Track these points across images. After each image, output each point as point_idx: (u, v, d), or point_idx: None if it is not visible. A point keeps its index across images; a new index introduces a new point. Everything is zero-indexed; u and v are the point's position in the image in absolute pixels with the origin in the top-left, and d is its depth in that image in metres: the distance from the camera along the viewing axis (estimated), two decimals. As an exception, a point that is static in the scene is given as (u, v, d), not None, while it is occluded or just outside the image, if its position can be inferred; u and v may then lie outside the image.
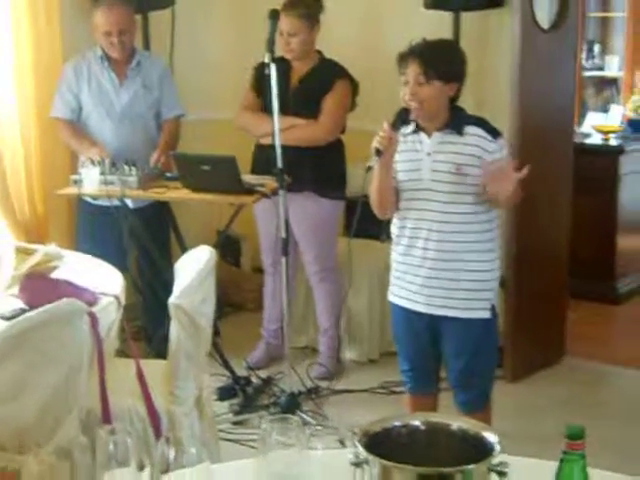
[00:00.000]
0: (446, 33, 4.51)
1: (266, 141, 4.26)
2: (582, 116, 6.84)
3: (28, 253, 3.45)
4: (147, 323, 4.65)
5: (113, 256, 3.74)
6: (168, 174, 4.30)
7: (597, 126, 6.25)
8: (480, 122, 3.13)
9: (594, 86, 7.87)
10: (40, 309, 2.68)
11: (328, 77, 4.45)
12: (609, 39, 8.14)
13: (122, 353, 3.44)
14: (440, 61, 3.06)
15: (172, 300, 2.99)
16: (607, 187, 5.77)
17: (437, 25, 4.55)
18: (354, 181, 4.40)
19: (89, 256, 3.62)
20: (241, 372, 4.50)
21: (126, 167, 4.13)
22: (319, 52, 4.53)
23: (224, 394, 4.36)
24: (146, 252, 4.49)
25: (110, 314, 3.03)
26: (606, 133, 6.09)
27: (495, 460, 1.57)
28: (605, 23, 8.13)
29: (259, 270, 5.13)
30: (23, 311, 2.87)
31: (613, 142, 6.00)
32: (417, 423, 1.72)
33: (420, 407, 3.28)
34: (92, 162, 4.15)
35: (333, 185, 4.55)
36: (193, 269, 3.11)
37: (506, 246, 4.37)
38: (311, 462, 1.69)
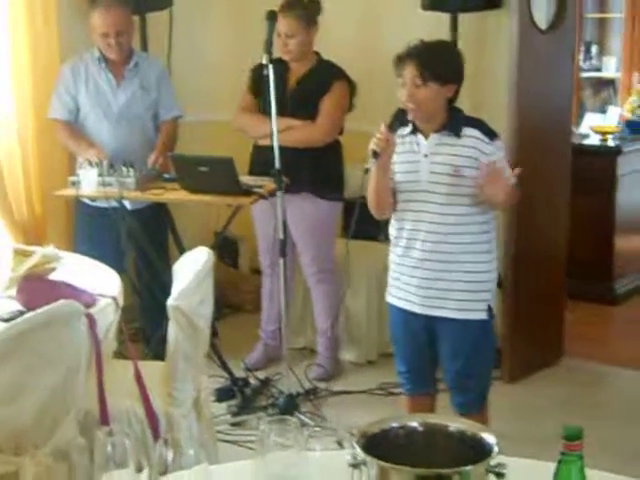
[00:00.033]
0: (444, 34, 4.51)
1: (264, 142, 4.26)
2: (580, 117, 6.85)
3: (26, 255, 3.44)
4: (145, 324, 4.65)
5: (111, 257, 3.75)
6: (166, 175, 4.30)
7: (595, 127, 6.26)
8: (477, 124, 3.12)
9: (592, 87, 7.88)
10: (38, 311, 2.68)
11: (326, 78, 4.45)
12: (607, 40, 8.16)
13: (120, 354, 3.43)
14: (437, 63, 3.05)
15: (170, 301, 2.99)
16: (605, 188, 5.77)
17: (435, 26, 4.55)
18: (352, 182, 4.40)
19: (87, 258, 3.62)
20: (239, 373, 4.50)
21: (124, 168, 4.13)
22: (317, 53, 4.53)
23: (222, 395, 4.35)
24: (144, 253, 4.48)
25: (108, 315, 3.03)
26: (604, 134, 6.09)
27: (493, 461, 1.57)
28: (603, 24, 8.15)
29: (257, 271, 5.13)
30: (21, 313, 2.87)
31: (611, 143, 6.01)
32: (415, 424, 1.72)
33: (418, 408, 3.27)
34: (90, 163, 4.15)
35: (331, 186, 4.55)
36: (191, 270, 3.11)
37: (504, 247, 4.37)
38: (309, 463, 1.69)
